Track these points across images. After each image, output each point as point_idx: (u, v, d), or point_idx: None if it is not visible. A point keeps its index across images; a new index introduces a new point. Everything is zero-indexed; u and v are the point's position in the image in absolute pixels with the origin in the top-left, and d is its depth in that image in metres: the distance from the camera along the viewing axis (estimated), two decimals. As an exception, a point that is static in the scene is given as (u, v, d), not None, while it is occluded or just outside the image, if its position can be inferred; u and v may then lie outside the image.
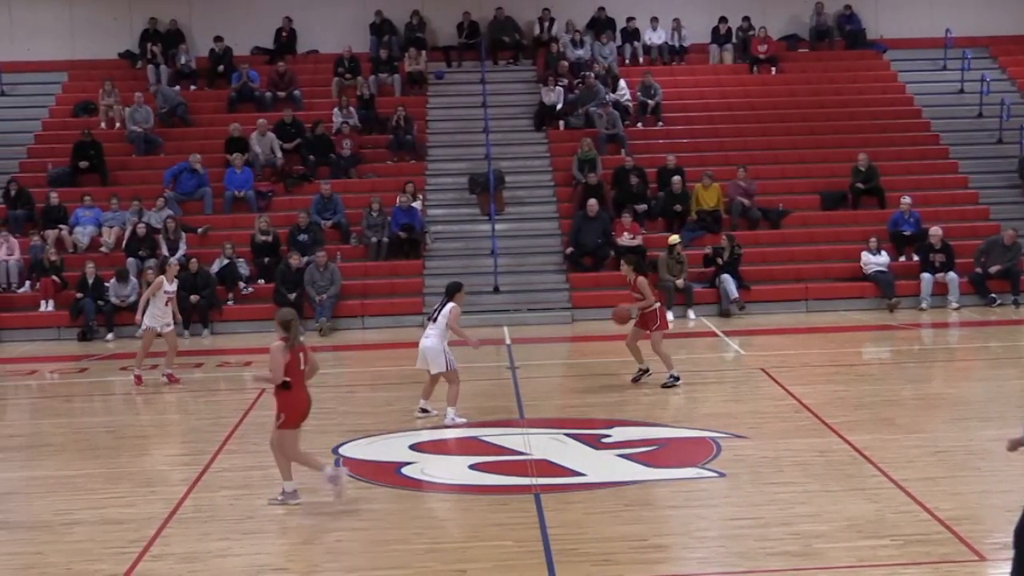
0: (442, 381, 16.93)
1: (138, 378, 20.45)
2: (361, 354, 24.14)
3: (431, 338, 16.68)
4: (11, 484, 14.74)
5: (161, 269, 20.94)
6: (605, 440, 15.66)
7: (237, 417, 17.65)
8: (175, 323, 21.10)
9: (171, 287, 20.50)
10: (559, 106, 31.76)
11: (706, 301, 26.49)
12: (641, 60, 34.31)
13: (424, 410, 17.06)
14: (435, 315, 16.79)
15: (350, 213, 28.34)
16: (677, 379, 18.59)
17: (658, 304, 18.89)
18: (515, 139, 31.46)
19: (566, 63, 32.75)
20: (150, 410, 19.64)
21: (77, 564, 11.57)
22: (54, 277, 26.42)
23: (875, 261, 27.35)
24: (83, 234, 27.88)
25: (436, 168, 30.69)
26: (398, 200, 28.00)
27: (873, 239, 27.51)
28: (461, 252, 28.20)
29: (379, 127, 31.49)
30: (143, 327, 20.56)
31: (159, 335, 20.50)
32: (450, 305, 16.66)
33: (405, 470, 14.55)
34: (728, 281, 26.35)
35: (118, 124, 31.43)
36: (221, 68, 33.24)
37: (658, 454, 15.10)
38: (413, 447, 15.64)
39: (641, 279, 18.56)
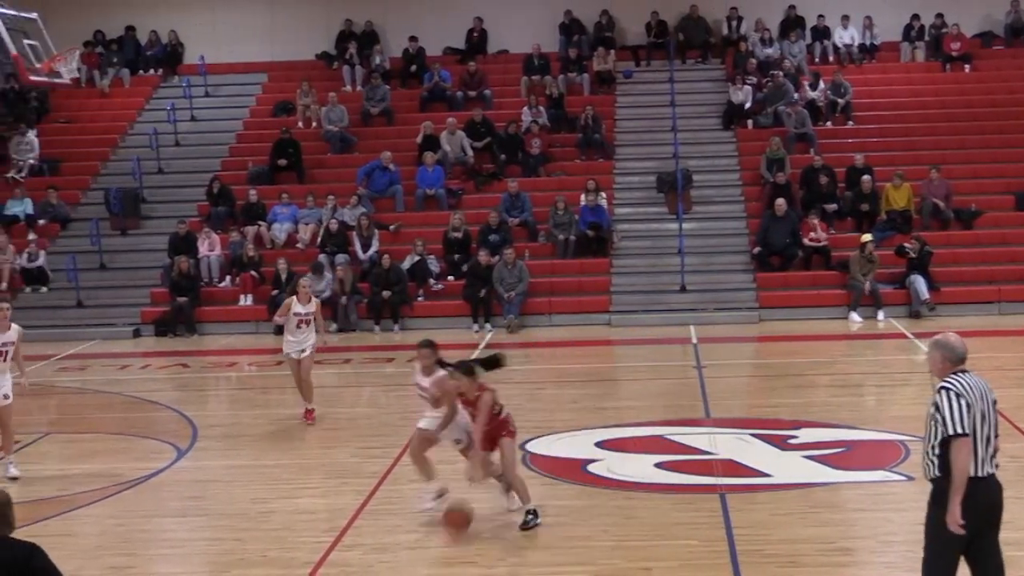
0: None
1: (307, 413, 17.90)
2: (548, 351, 24.34)
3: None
4: (211, 472, 15.28)
5: (293, 289, 19.15)
6: (791, 441, 15.60)
7: (427, 412, 17.95)
8: (314, 344, 17.98)
9: (304, 307, 17.79)
10: (747, 105, 31.57)
11: (896, 302, 26.10)
12: (831, 59, 33.91)
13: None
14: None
15: (538, 211, 28.57)
16: (536, 514, 12.56)
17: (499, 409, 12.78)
18: (703, 138, 31.36)
19: (755, 62, 32.53)
20: (342, 403, 20.09)
21: (273, 551, 11.96)
22: (253, 272, 27.14)
23: (1073, 263, 26.66)
24: (280, 230, 28.59)
25: (624, 167, 30.76)
26: (584, 198, 28.15)
27: (1071, 240, 26.81)
28: (648, 251, 28.21)
29: (568, 126, 31.66)
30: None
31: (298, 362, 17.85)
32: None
33: (591, 467, 14.69)
34: (918, 282, 25.93)
35: (314, 123, 32.15)
36: (414, 68, 33.77)
37: (845, 456, 15.01)
38: (599, 444, 15.76)
39: (487, 397, 12.54)
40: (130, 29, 35.31)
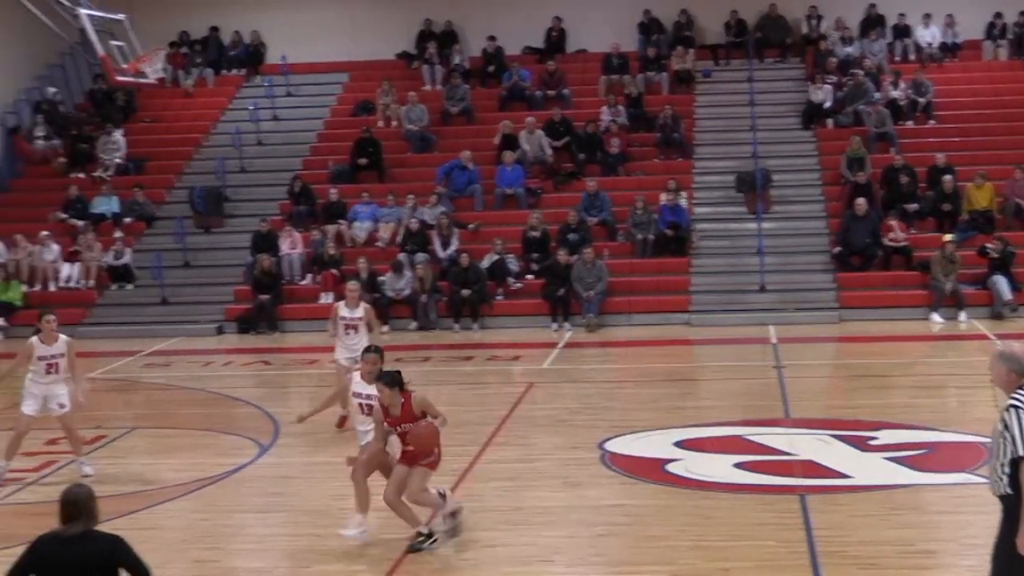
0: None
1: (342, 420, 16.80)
2: (627, 350, 24.36)
3: None
4: (292, 469, 15.46)
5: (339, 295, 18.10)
6: (872, 442, 15.53)
7: (506, 411, 18.06)
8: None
9: (351, 312, 17.11)
10: (827, 104, 31.38)
11: (978, 303, 25.86)
12: (912, 57, 33.61)
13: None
14: None
15: (617, 211, 28.58)
16: (432, 538, 11.94)
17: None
18: (782, 137, 31.21)
19: (835, 61, 32.34)
20: (422, 401, 20.22)
21: (354, 547, 12.08)
22: (333, 270, 27.37)
23: None
24: (361, 229, 28.81)
25: (703, 166, 30.69)
26: (664, 198, 28.13)
27: None
28: (727, 250, 28.15)
29: (646, 125, 31.63)
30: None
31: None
32: None
33: (670, 467, 14.71)
34: (1001, 283, 25.68)
35: (395, 123, 32.35)
36: (493, 68, 33.89)
37: (927, 458, 14.94)
38: (678, 444, 15.77)
39: (419, 395, 12.07)
40: (214, 30, 35.71)
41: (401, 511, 11.84)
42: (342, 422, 16.62)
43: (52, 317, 15.25)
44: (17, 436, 15.02)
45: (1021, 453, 8.17)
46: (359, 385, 12.55)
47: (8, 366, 15.59)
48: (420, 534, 11.82)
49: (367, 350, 12.74)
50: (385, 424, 11.90)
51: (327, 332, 17.52)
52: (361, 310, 17.09)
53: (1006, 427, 8.26)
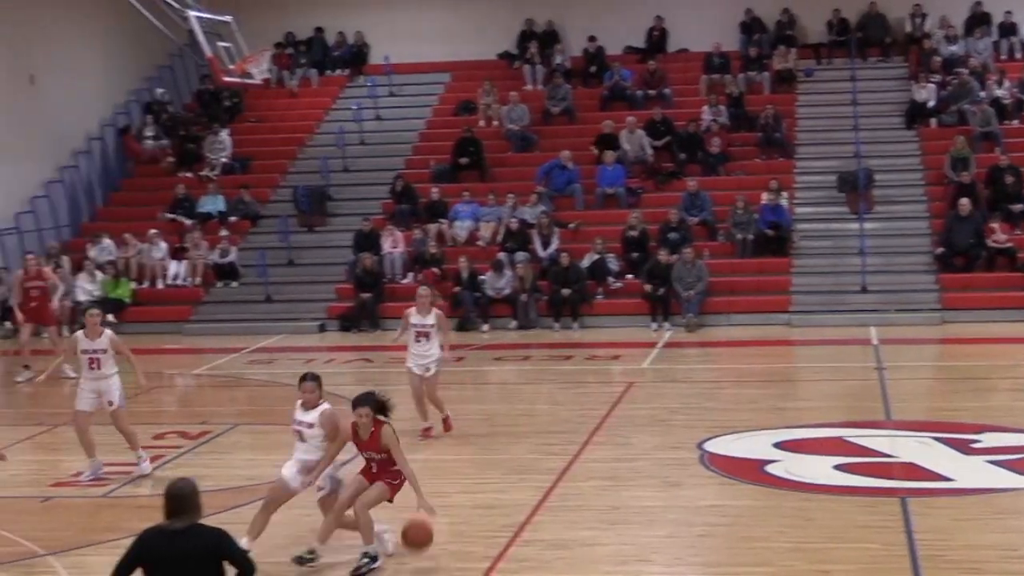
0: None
1: (445, 420, 17.00)
2: (727, 351, 24.31)
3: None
4: (393, 466, 15.61)
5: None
6: (975, 445, 15.39)
7: (605, 410, 18.10)
8: (439, 359, 16.79)
9: (422, 319, 16.56)
10: (931, 103, 31.05)
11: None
12: (1018, 55, 33.13)
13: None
14: None
15: (717, 210, 28.51)
16: (374, 559, 11.64)
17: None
18: (885, 137, 30.92)
19: (939, 59, 31.98)
20: (521, 400, 20.34)
21: (452, 545, 12.18)
22: (435, 269, 27.59)
23: None
24: (462, 228, 29.00)
25: (805, 166, 30.51)
26: (764, 198, 28.01)
27: None
28: (829, 251, 27.97)
29: (748, 125, 31.51)
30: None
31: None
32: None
33: (769, 468, 14.68)
34: (1110, 285, 25.31)
35: (496, 122, 32.51)
36: (594, 67, 33.92)
37: (1030, 462, 14.79)
38: (778, 445, 15.72)
39: (388, 430, 11.63)
40: (319, 30, 36.11)
41: (364, 519, 11.58)
42: (426, 433, 16.66)
43: (96, 311, 15.58)
44: (80, 433, 15.10)
45: None
46: (298, 412, 11.92)
47: (58, 360, 15.96)
48: (367, 555, 11.51)
49: (304, 378, 11.90)
50: (358, 449, 11.73)
51: (397, 334, 17.25)
52: (432, 317, 16.57)
53: None
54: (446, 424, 16.87)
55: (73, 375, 18.48)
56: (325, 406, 11.87)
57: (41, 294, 21.89)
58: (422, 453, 15.84)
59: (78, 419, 15.12)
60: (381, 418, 11.58)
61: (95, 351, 15.07)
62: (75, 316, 26.70)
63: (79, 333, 15.26)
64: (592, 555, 11.81)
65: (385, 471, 11.70)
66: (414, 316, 16.48)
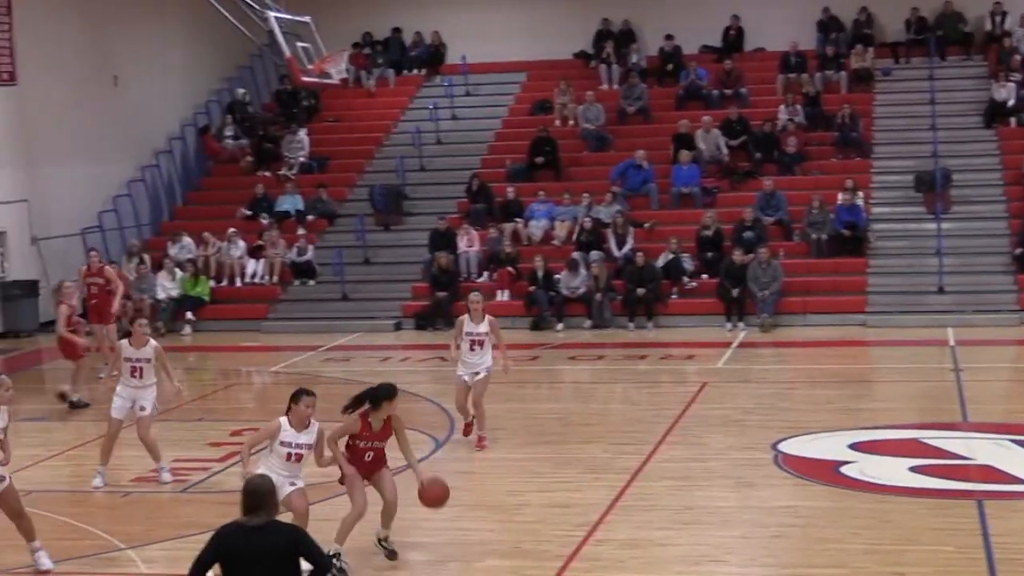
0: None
1: (479, 439, 16.43)
2: (802, 351, 24.20)
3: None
4: (467, 464, 15.72)
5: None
6: (1053, 449, 15.31)
7: (679, 410, 18.12)
8: (490, 368, 16.33)
9: (475, 327, 16.24)
10: (1011, 102, 30.72)
11: None
12: (1102, 53, 32.73)
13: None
14: None
15: (793, 210, 28.38)
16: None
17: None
18: (963, 136, 30.63)
19: (1019, 58, 31.63)
20: (596, 399, 20.41)
21: (526, 543, 12.29)
22: (510, 268, 27.68)
23: None
24: (537, 227, 29.06)
25: (881, 166, 30.29)
26: (840, 197, 27.85)
27: None
28: (905, 251, 27.77)
29: (824, 124, 31.34)
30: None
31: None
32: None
33: (844, 469, 14.66)
34: None
35: (571, 122, 32.55)
36: (670, 67, 33.88)
37: (1109, 466, 14.65)
38: (852, 446, 15.69)
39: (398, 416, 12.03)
40: (396, 31, 36.33)
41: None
42: (467, 429, 16.47)
43: (144, 321, 15.67)
44: (108, 439, 15.12)
45: None
46: (288, 433, 11.40)
47: (111, 365, 16.08)
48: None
49: (305, 393, 11.48)
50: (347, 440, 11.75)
51: (450, 347, 16.72)
52: (486, 324, 16.22)
53: None
54: (479, 442, 16.29)
55: (102, 376, 18.67)
56: (317, 424, 11.62)
57: (100, 291, 21.90)
58: (497, 451, 15.94)
59: (112, 425, 15.12)
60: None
61: (139, 360, 15.11)
62: (155, 313, 27.12)
63: (124, 341, 15.25)
64: (665, 555, 11.86)
65: (382, 459, 11.92)
66: (468, 324, 16.18)
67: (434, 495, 11.91)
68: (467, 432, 16.48)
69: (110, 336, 21.34)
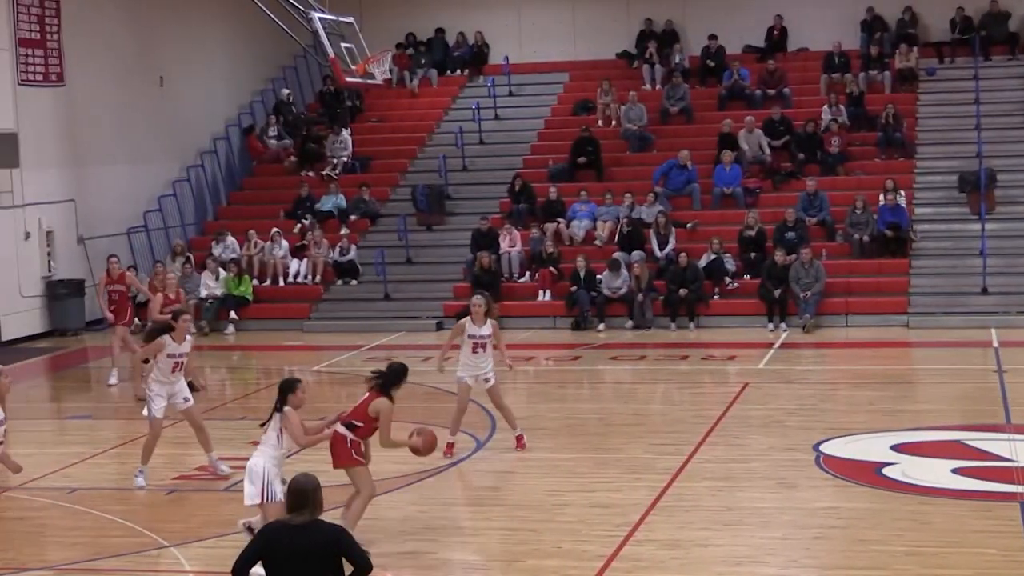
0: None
1: (518, 439, 16.43)
2: (844, 352, 24.14)
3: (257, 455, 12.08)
4: (508, 464, 15.76)
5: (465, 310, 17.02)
6: (1097, 451, 15.21)
7: (720, 410, 18.11)
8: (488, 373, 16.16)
9: (477, 329, 16.03)
10: (1058, 102, 30.61)
11: None
12: None
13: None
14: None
15: (835, 210, 28.29)
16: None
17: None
18: (1009, 136, 30.44)
19: (1066, 56, 31.48)
20: (637, 400, 20.42)
21: (567, 543, 12.33)
22: (551, 268, 27.70)
23: None
24: (579, 227, 29.09)
25: (925, 166, 30.15)
26: (883, 198, 27.74)
27: None
28: (949, 252, 27.64)
29: (868, 124, 31.22)
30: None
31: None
32: (284, 412, 11.98)
33: (886, 471, 14.63)
34: None
35: (614, 122, 32.55)
36: (713, 66, 33.82)
37: None
38: (895, 448, 15.65)
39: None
40: (439, 31, 36.43)
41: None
42: (449, 449, 16.01)
43: (189, 317, 15.89)
44: (153, 439, 15.14)
45: None
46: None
47: (140, 358, 16.23)
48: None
49: (297, 381, 12.10)
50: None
51: (442, 347, 16.99)
52: (488, 327, 15.98)
53: None
54: (519, 442, 16.29)
55: (115, 382, 18.69)
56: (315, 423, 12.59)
57: (121, 298, 21.90)
58: (538, 451, 15.98)
59: (155, 426, 15.13)
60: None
61: (181, 355, 15.21)
62: (199, 313, 27.28)
63: (166, 337, 15.15)
64: (706, 556, 11.87)
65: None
66: (470, 327, 15.97)
67: (428, 444, 12.65)
68: (448, 452, 15.94)
69: (125, 337, 21.45)
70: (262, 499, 11.67)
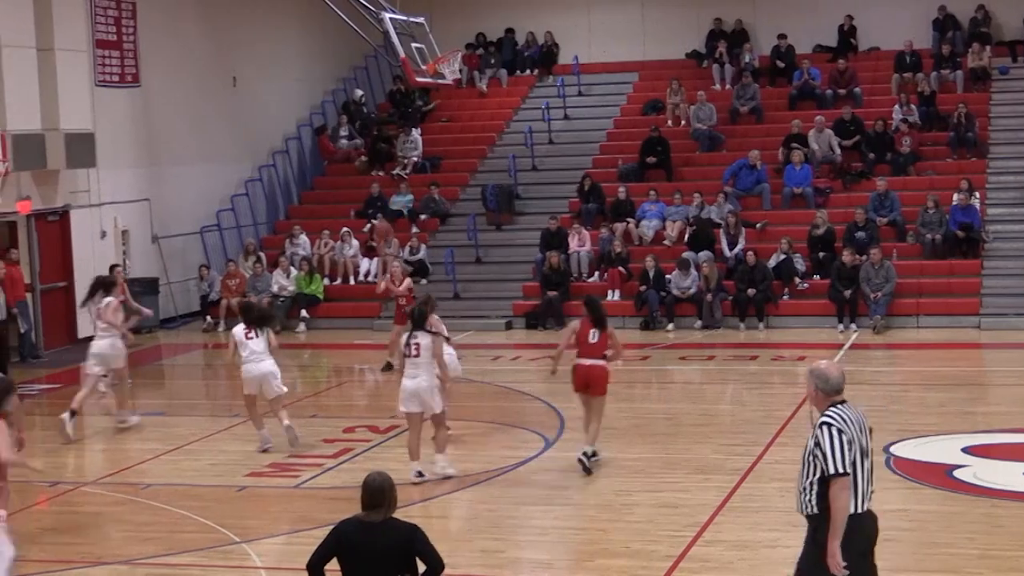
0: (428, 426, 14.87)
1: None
2: (915, 353, 23.98)
3: (421, 377, 14.54)
4: (577, 463, 15.83)
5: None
6: None
7: (790, 411, 18.04)
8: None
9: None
10: None
11: None
12: None
13: (420, 474, 14.64)
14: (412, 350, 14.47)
15: (906, 211, 28.11)
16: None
17: None
18: (1084, 136, 30.22)
19: None
20: (705, 400, 20.42)
21: (635, 544, 12.37)
22: (620, 268, 27.73)
23: None
24: (648, 227, 29.07)
25: (998, 166, 29.87)
26: (955, 198, 27.53)
27: None
28: (1021, 253, 27.35)
29: (939, 124, 30.98)
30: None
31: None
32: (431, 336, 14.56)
33: (957, 473, 14.55)
34: None
35: (683, 122, 32.51)
36: (783, 66, 33.70)
37: None
38: (966, 450, 15.56)
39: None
40: (509, 31, 36.54)
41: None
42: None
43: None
44: (251, 412, 16.70)
45: (831, 471, 8.33)
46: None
47: (228, 356, 16.78)
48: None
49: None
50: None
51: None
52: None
53: (817, 444, 8.40)
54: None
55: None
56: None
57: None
58: (607, 451, 15.99)
59: (249, 399, 16.69)
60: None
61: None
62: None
63: (240, 327, 16.60)
64: (774, 557, 11.86)
65: None
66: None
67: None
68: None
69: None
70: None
